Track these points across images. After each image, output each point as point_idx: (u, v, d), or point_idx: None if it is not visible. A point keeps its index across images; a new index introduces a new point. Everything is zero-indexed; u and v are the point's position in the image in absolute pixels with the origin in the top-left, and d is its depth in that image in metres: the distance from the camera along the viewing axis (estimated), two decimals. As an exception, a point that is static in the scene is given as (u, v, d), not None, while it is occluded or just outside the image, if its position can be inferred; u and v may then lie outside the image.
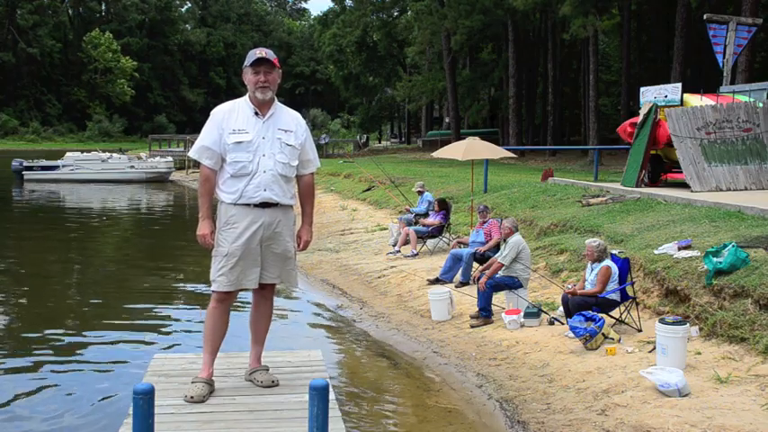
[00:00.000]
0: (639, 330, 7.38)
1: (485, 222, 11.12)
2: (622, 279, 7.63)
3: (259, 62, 4.49)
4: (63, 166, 37.95)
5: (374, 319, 9.81)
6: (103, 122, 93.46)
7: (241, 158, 4.48)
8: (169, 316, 10.41)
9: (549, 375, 6.78)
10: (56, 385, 7.26)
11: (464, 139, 16.56)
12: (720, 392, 5.66)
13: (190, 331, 9.29)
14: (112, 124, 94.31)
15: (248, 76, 4.54)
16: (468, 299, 9.36)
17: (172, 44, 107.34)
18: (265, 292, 4.77)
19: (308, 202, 4.86)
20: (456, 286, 10.32)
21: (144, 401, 2.98)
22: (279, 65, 4.61)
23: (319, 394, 3.16)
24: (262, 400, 4.46)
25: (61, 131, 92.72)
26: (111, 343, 8.84)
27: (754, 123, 13.77)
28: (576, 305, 7.48)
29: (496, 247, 10.33)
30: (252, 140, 4.49)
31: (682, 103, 14.30)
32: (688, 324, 6.52)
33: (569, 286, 8.25)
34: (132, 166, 38.76)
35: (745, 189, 13.29)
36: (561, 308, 7.99)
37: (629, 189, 13.86)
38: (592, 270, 7.77)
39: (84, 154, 41.12)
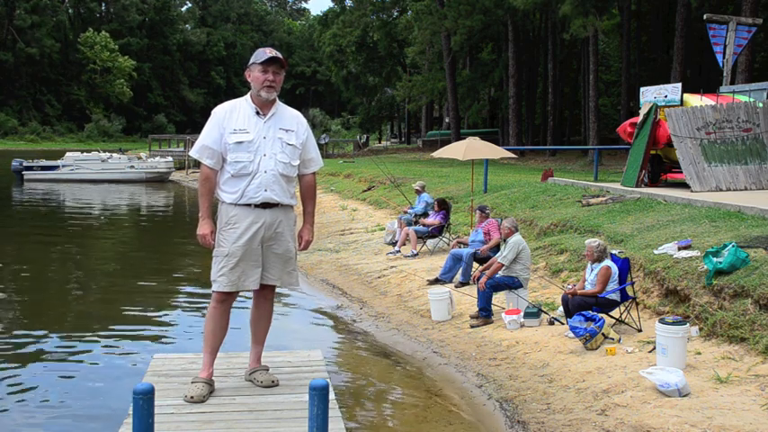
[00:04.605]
0: (639, 330, 7.38)
1: (483, 222, 11.12)
2: (622, 279, 7.63)
3: (270, 61, 4.48)
4: (63, 166, 37.96)
5: (374, 319, 9.81)
6: (102, 122, 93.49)
7: (242, 158, 4.47)
8: (169, 316, 10.41)
9: (549, 375, 6.78)
10: (55, 385, 7.25)
11: (464, 139, 16.57)
12: (720, 392, 5.66)
13: (190, 331, 9.30)
14: (111, 124, 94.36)
15: (255, 74, 4.51)
16: (468, 299, 9.36)
17: (172, 44, 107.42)
18: (266, 292, 4.77)
19: (310, 201, 4.85)
20: (456, 286, 10.32)
21: (144, 401, 2.98)
22: (287, 65, 4.62)
23: (319, 394, 3.16)
24: (262, 400, 4.46)
25: (61, 131, 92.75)
26: (111, 343, 8.84)
27: (754, 123, 13.77)
28: (576, 305, 7.48)
29: (496, 247, 10.33)
30: (253, 140, 4.49)
31: (682, 103, 14.29)
32: (688, 324, 6.52)
33: (569, 286, 8.25)
34: (132, 166, 38.77)
35: (745, 189, 13.29)
36: (561, 308, 7.99)
37: (629, 189, 13.86)
38: (592, 270, 7.77)
39: (84, 154, 41.13)
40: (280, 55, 4.53)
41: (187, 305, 11.21)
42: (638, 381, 6.06)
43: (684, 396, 5.66)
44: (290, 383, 4.73)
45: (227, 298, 4.63)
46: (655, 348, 6.49)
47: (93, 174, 37.83)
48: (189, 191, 33.83)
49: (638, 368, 6.27)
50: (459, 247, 11.07)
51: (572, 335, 7.27)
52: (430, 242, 13.19)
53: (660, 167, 15.10)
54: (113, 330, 9.43)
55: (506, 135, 41.82)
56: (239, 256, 4.49)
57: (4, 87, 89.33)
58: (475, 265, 10.52)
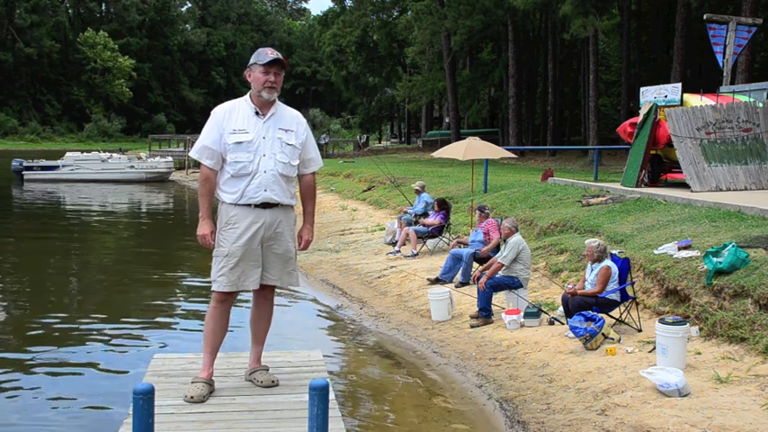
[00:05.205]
0: (639, 330, 7.38)
1: (483, 222, 11.13)
2: (622, 279, 7.63)
3: (272, 63, 4.47)
4: (63, 166, 37.96)
5: (374, 319, 9.81)
6: (102, 122, 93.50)
7: (241, 158, 4.47)
8: (169, 316, 10.41)
9: (549, 375, 6.78)
10: (55, 385, 7.26)
11: (464, 139, 16.57)
12: (720, 392, 5.66)
13: (190, 331, 9.30)
14: (111, 124, 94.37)
15: (256, 75, 4.50)
16: (468, 299, 9.36)
17: (172, 44, 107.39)
18: (266, 292, 4.76)
19: (310, 201, 4.84)
20: (456, 286, 10.32)
21: (144, 401, 2.98)
22: (287, 66, 4.62)
23: (319, 394, 3.16)
24: (262, 400, 4.46)
25: (61, 131, 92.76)
26: (111, 343, 8.84)
27: (754, 123, 13.77)
28: (576, 305, 7.48)
29: (496, 247, 10.33)
30: (252, 140, 4.48)
31: (682, 103, 14.29)
32: (688, 324, 6.52)
33: (569, 286, 8.25)
34: (132, 166, 38.78)
35: (745, 189, 13.29)
36: (561, 308, 7.99)
37: (629, 189, 13.86)
38: (592, 270, 7.77)
39: (84, 154, 41.13)
40: (281, 56, 4.52)
41: (187, 305, 11.21)
42: (638, 381, 6.06)
43: (684, 396, 5.66)
44: (290, 383, 4.73)
45: (227, 298, 4.63)
46: (655, 348, 6.49)
47: (93, 174, 37.84)
48: (189, 191, 33.82)
49: (638, 368, 6.27)
50: (460, 247, 11.07)
51: (572, 335, 7.27)
52: (430, 242, 13.19)
53: (660, 167, 15.10)
54: (113, 330, 9.43)
55: (506, 135, 41.81)
56: (239, 256, 4.49)
57: (4, 87, 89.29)
58: (475, 265, 10.52)
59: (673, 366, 6.01)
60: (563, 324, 7.85)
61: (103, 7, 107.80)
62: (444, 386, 7.24)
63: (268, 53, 4.49)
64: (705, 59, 32.63)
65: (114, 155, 41.06)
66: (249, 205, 4.51)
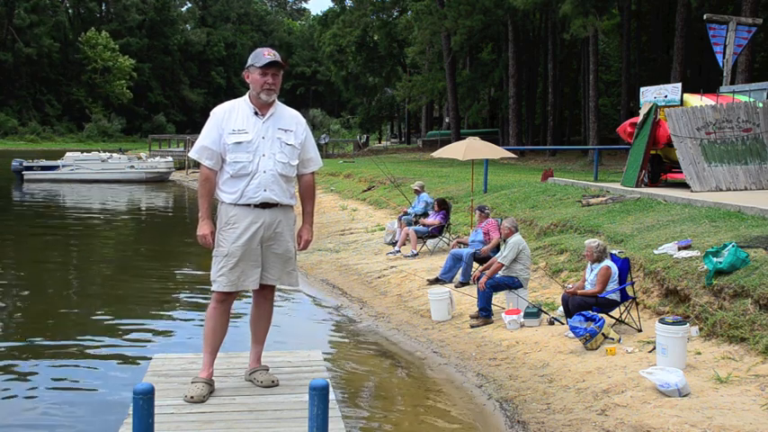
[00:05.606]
0: (639, 330, 7.38)
1: (483, 222, 11.13)
2: (622, 279, 7.63)
3: (269, 65, 4.46)
4: (63, 166, 37.95)
5: (374, 319, 9.81)
6: (102, 122, 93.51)
7: (241, 159, 4.46)
8: (169, 316, 10.42)
9: (549, 375, 6.78)
10: (55, 385, 7.26)
11: (464, 139, 16.58)
12: (720, 392, 5.66)
13: (190, 331, 9.30)
14: (111, 124, 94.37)
15: (254, 77, 4.49)
16: (468, 299, 9.36)
17: (172, 44, 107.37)
18: (266, 292, 4.76)
19: (309, 201, 4.84)
20: (456, 286, 10.32)
21: (144, 401, 2.98)
22: (287, 65, 4.60)
23: (319, 394, 3.16)
24: (262, 400, 4.46)
25: (61, 131, 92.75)
26: (111, 343, 8.84)
27: (754, 123, 13.77)
28: (576, 305, 7.48)
29: (496, 247, 10.34)
30: (252, 140, 4.48)
31: (682, 103, 14.29)
32: (688, 324, 6.52)
33: (569, 286, 8.25)
34: (132, 166, 38.78)
35: (745, 189, 13.29)
36: (561, 308, 7.99)
37: (629, 189, 13.86)
38: (592, 270, 7.77)
39: (84, 154, 41.13)
40: (278, 57, 4.50)
41: (187, 305, 11.21)
42: (638, 381, 6.06)
43: (684, 396, 5.66)
44: (290, 383, 4.73)
45: (227, 298, 4.63)
46: (655, 348, 6.49)
47: (93, 174, 37.83)
48: (189, 191, 33.83)
49: (638, 368, 6.28)
50: (459, 247, 11.07)
51: (572, 335, 7.27)
52: (430, 242, 13.19)
53: (660, 167, 15.10)
54: (113, 330, 9.43)
55: (506, 135, 41.81)
56: (239, 256, 4.49)
57: (4, 87, 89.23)
58: (475, 265, 10.52)
59: (673, 366, 6.01)
60: (563, 324, 7.85)
61: (103, 7, 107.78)
62: (444, 386, 7.24)
63: (265, 54, 4.47)
64: (705, 59, 32.63)
65: (114, 155, 41.06)
66: (249, 205, 4.50)
